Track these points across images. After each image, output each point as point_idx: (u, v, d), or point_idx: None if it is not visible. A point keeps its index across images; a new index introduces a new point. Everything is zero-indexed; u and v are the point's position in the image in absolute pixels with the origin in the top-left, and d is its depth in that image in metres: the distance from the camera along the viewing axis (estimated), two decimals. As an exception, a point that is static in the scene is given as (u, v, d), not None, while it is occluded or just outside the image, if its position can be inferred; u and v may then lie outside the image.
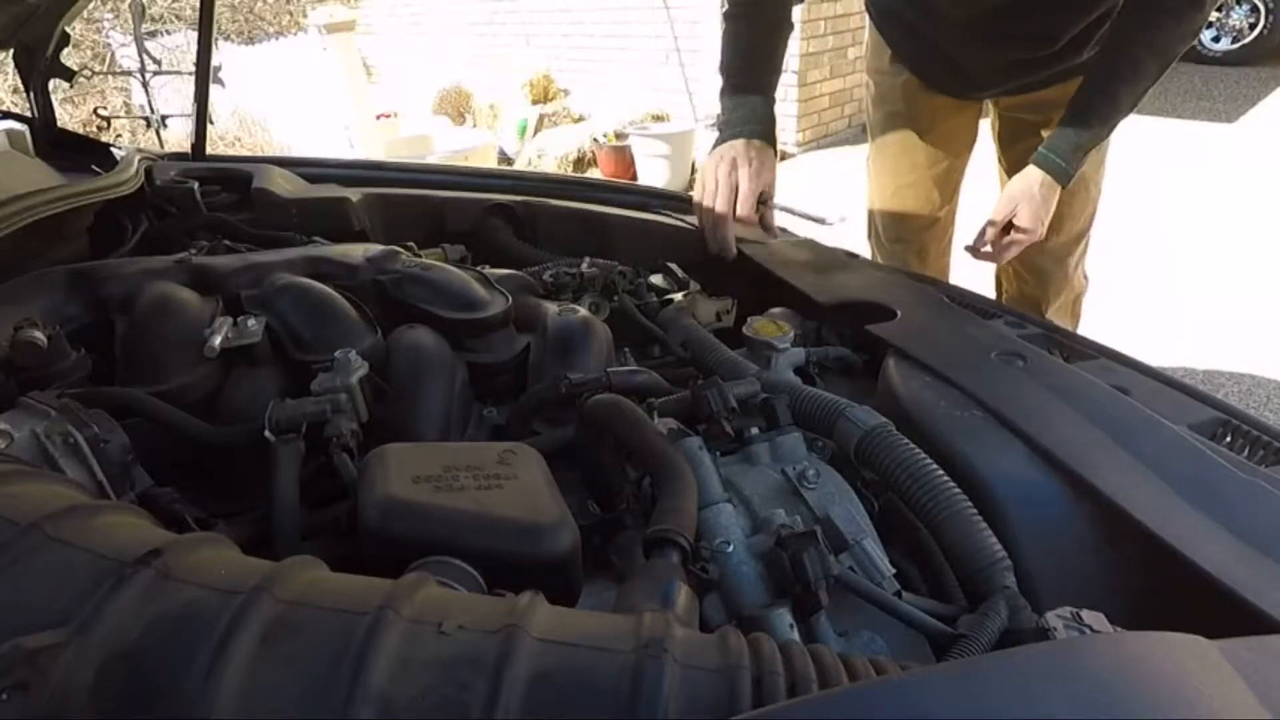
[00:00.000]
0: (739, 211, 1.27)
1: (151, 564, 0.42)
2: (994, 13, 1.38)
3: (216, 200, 1.46)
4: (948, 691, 0.37)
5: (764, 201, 1.30)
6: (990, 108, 1.74)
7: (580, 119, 6.46)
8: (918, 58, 1.64)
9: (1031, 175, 1.35)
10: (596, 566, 0.70)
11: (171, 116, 1.89)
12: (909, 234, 1.82)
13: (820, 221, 1.33)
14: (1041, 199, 1.34)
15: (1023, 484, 0.70)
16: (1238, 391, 2.61)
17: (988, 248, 1.41)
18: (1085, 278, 1.85)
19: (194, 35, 1.61)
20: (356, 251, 1.06)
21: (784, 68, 1.40)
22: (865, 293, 1.10)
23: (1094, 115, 1.31)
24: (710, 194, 1.28)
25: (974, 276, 1.60)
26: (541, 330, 0.98)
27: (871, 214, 1.89)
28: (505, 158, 6.23)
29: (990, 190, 1.59)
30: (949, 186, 1.79)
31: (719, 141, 1.33)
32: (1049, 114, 1.47)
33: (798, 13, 1.47)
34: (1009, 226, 1.38)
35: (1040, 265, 1.72)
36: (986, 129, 1.81)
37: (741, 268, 1.30)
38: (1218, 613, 0.55)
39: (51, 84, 1.55)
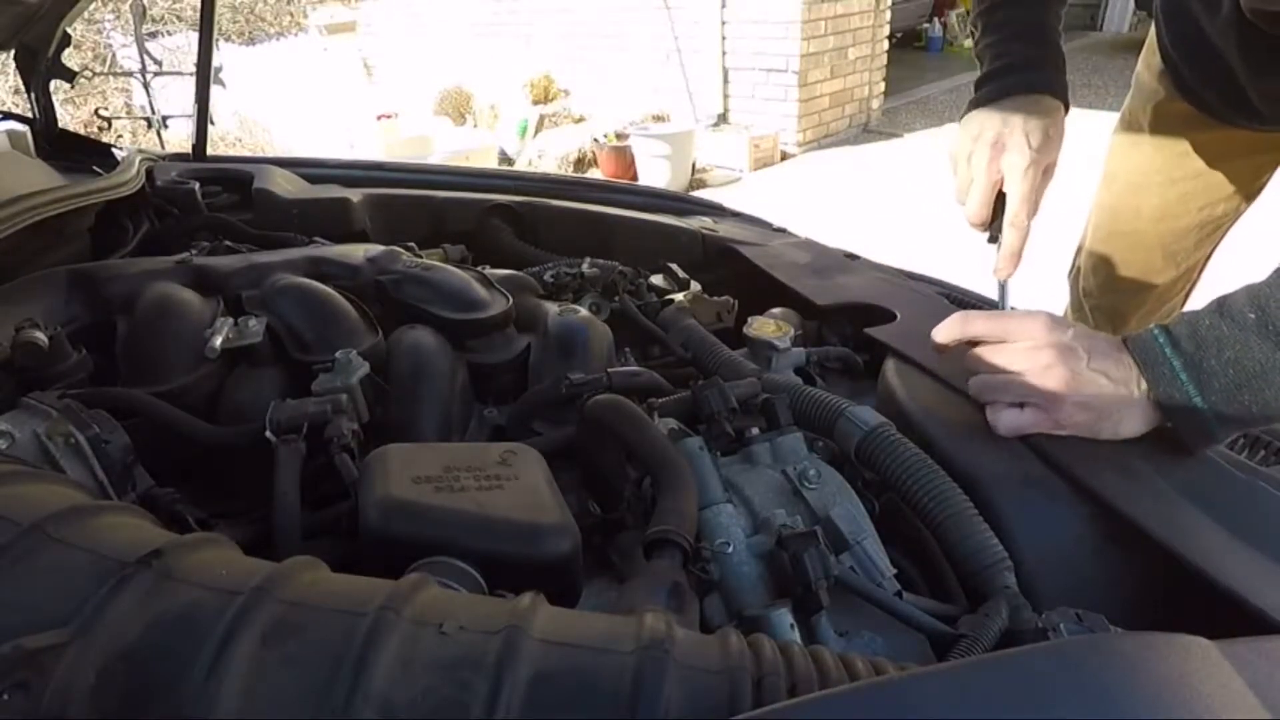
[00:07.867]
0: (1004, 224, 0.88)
1: (153, 564, 0.43)
2: None
3: (217, 201, 1.46)
4: (948, 692, 0.37)
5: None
6: None
7: (581, 119, 6.47)
8: (1191, 70, 1.18)
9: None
10: (597, 567, 0.70)
11: (172, 117, 1.89)
12: (1110, 295, 1.39)
13: None
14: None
15: (1023, 484, 0.70)
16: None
17: None
18: None
19: (194, 36, 1.61)
20: (357, 252, 1.06)
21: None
22: (865, 295, 1.10)
23: None
24: (964, 192, 0.88)
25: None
26: (542, 330, 0.98)
27: (1078, 252, 1.48)
28: (506, 158, 6.24)
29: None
30: (1182, 250, 1.30)
31: (975, 103, 0.89)
32: None
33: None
34: None
35: None
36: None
37: (741, 268, 1.30)
38: (1218, 613, 0.55)
39: (52, 85, 1.55)
